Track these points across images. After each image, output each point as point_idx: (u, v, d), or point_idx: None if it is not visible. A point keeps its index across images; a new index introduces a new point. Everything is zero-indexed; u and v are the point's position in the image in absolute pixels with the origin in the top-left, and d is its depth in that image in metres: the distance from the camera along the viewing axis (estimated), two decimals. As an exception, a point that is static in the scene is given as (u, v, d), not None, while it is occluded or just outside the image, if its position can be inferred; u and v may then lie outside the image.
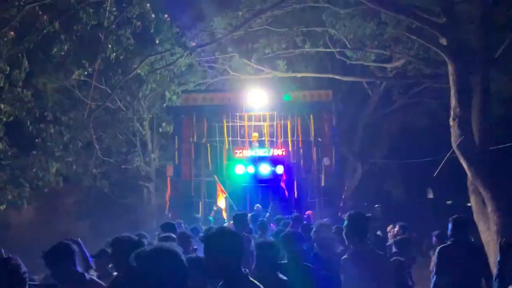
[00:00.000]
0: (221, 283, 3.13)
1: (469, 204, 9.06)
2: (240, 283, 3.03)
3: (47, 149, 10.21)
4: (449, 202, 20.30)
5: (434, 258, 5.55)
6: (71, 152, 11.25)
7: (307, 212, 12.58)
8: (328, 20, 12.19)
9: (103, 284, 4.02)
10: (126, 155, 16.04)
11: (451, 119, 8.40)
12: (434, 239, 7.33)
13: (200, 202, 15.09)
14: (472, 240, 6.67)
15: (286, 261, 4.71)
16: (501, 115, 13.75)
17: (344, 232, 4.59)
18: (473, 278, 5.20)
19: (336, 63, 14.25)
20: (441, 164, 8.73)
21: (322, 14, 12.20)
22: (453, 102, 8.40)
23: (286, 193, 14.42)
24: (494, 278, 4.37)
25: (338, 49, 12.77)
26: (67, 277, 3.72)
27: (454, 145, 8.31)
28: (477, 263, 5.25)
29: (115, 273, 4.28)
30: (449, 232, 5.54)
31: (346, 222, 4.54)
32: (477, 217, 8.55)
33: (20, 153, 10.10)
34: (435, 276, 5.37)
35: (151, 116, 15.52)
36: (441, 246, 5.52)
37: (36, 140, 10.38)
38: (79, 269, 3.86)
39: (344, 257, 4.61)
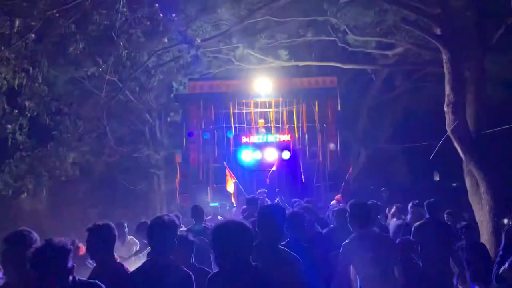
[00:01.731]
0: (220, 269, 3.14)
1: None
2: (244, 271, 3.03)
3: (63, 140, 10.74)
4: (454, 184, 20.49)
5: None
6: (86, 142, 11.74)
7: (336, 197, 12.71)
8: (329, 9, 12.49)
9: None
10: (136, 144, 16.51)
11: (445, 105, 8.76)
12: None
13: (209, 187, 15.52)
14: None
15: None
16: (502, 97, 13.97)
17: (348, 220, 4.84)
18: (441, 247, 6.23)
19: (339, 50, 14.50)
20: (436, 148, 9.11)
21: (323, 3, 12.51)
22: (447, 89, 8.75)
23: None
24: (495, 264, 4.62)
25: (339, 36, 13.04)
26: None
27: (448, 130, 8.69)
28: (443, 236, 6.30)
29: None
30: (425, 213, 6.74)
31: (348, 211, 4.84)
32: (471, 197, 8.96)
33: (38, 145, 10.59)
34: None
35: (159, 107, 15.95)
36: (416, 223, 6.53)
37: (53, 132, 10.88)
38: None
39: (345, 242, 4.77)
